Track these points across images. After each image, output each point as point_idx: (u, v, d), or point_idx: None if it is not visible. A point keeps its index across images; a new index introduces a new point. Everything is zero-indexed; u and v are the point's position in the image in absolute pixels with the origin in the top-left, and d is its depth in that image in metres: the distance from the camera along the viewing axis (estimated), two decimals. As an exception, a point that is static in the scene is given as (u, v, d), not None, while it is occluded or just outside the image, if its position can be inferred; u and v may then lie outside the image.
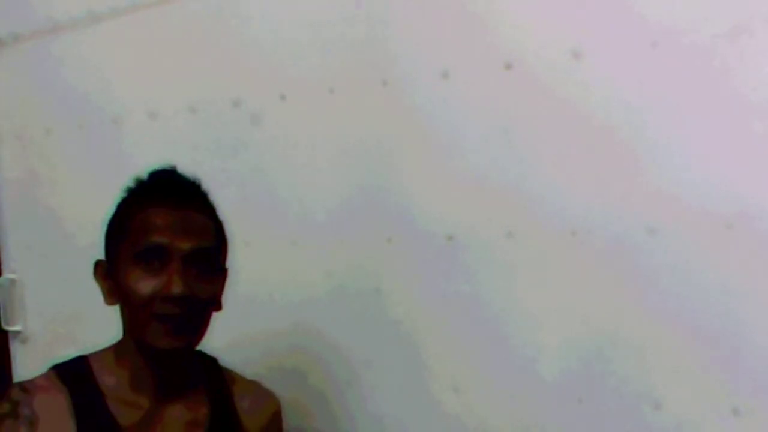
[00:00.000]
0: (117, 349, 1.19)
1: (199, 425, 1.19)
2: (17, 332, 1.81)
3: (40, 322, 1.79)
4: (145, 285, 1.11)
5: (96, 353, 1.20)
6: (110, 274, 1.16)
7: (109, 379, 1.17)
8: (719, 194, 1.18)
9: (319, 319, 1.49)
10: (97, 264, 1.19)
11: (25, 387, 1.15)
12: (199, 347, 1.20)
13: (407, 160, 1.40)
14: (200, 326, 1.16)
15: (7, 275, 1.81)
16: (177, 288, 1.10)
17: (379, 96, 1.41)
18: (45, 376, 1.17)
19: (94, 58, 1.68)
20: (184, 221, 1.14)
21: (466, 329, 1.37)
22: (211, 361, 1.28)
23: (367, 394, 1.47)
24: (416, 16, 1.38)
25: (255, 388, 1.30)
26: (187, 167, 1.21)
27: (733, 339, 1.18)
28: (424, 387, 1.41)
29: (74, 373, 1.17)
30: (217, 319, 1.19)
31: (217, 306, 1.19)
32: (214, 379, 1.25)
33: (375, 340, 1.45)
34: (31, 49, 1.74)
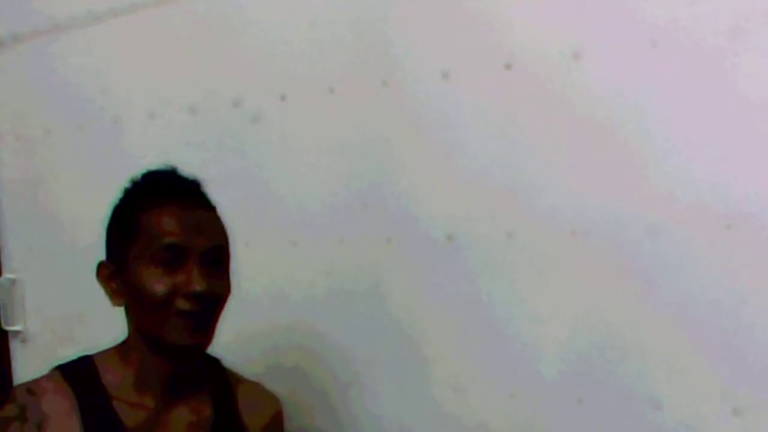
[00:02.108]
0: (122, 348, 1.19)
1: (201, 426, 1.19)
2: (17, 332, 1.81)
3: (40, 322, 1.79)
4: (164, 284, 1.11)
5: (100, 353, 1.20)
6: (116, 275, 1.16)
7: (115, 379, 1.16)
8: (719, 194, 1.18)
9: (319, 318, 1.49)
10: (100, 266, 1.18)
11: (31, 389, 1.14)
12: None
13: (407, 160, 1.40)
14: (215, 323, 1.17)
15: (7, 275, 1.81)
16: (199, 285, 1.10)
17: (379, 96, 1.41)
18: (50, 376, 1.16)
19: (94, 58, 1.68)
20: (199, 220, 1.15)
21: (466, 329, 1.37)
22: (214, 362, 1.27)
23: (367, 394, 1.46)
24: (416, 16, 1.38)
25: (257, 389, 1.30)
26: (187, 167, 1.21)
27: (733, 339, 1.18)
28: (424, 387, 1.41)
29: (79, 374, 1.16)
30: (217, 319, 1.19)
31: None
32: (218, 380, 1.25)
33: (375, 340, 1.45)
34: (31, 49, 1.74)
